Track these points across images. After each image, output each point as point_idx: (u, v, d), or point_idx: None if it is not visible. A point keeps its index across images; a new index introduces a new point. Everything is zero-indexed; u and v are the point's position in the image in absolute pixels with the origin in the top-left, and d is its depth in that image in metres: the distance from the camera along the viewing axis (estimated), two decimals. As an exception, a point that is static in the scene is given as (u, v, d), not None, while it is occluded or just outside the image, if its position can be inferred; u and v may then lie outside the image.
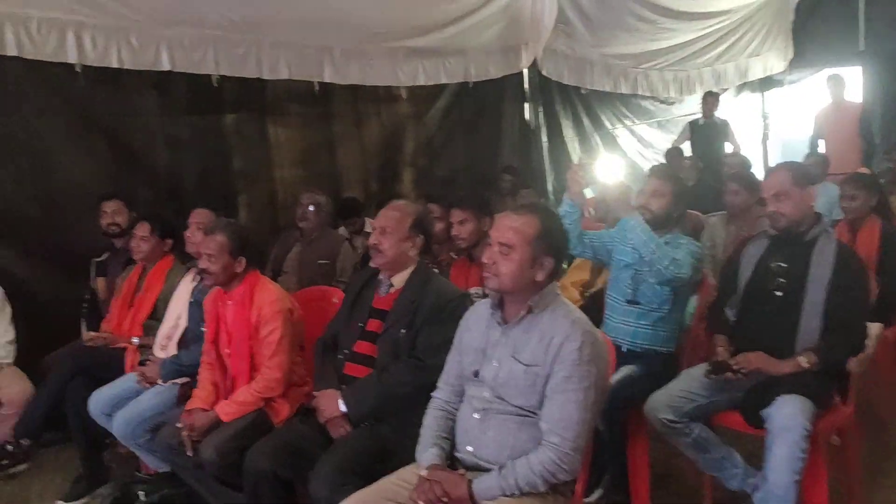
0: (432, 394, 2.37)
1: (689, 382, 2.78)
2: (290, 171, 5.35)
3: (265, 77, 4.89)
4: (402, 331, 2.65)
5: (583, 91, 6.87)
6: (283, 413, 2.90)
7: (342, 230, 4.98)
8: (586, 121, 7.17)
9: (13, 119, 4.19)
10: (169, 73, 4.51)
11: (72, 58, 4.19)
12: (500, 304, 2.24)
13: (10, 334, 3.88)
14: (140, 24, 4.36)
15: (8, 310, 3.91)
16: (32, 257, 4.26)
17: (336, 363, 2.79)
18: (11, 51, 3.99)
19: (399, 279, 2.77)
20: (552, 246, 2.18)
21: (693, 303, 3.32)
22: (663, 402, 2.73)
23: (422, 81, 5.71)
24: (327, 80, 5.19)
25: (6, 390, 3.66)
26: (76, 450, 3.58)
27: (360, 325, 2.78)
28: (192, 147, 4.89)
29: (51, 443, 3.89)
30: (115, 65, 4.33)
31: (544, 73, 6.41)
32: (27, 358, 3.92)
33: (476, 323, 2.31)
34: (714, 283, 3.29)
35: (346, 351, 2.78)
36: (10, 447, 3.49)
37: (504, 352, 2.18)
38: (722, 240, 4.32)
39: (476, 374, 2.23)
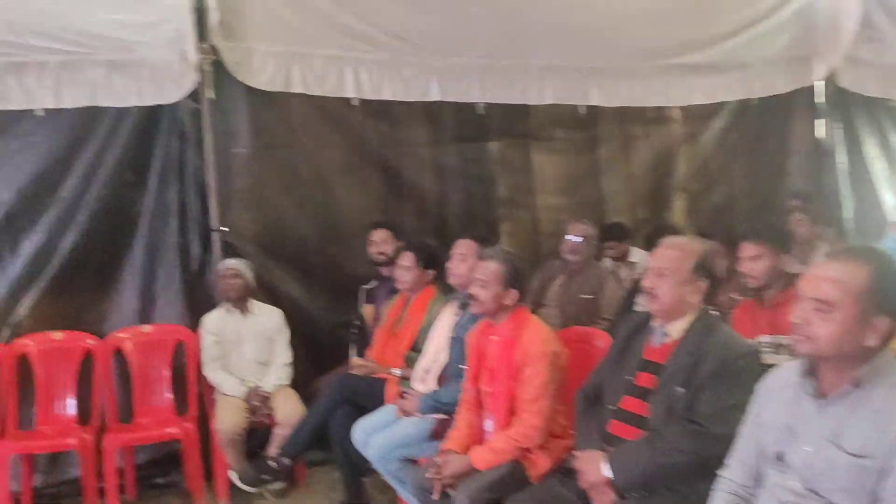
0: (719, 472, 1.98)
1: None
2: (553, 198, 5.17)
3: (531, 103, 4.80)
4: (680, 389, 2.28)
5: (891, 104, 5.91)
6: (541, 467, 2.67)
7: (606, 261, 4.68)
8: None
9: (297, 151, 4.46)
10: (437, 102, 4.58)
11: (349, 92, 4.41)
12: (813, 372, 1.79)
13: (288, 357, 4.10)
14: (411, 57, 4.48)
15: (287, 333, 4.14)
16: (310, 283, 4.48)
17: (599, 419, 2.51)
18: (297, 88, 4.30)
19: (676, 328, 2.41)
20: (888, 301, 1.70)
21: None
22: None
23: (697, 100, 5.27)
24: (594, 103, 4.98)
25: (281, 410, 3.84)
26: (339, 474, 3.66)
27: (627, 377, 2.46)
28: (458, 175, 4.90)
29: (320, 462, 4.05)
30: (388, 97, 4.50)
31: (844, 85, 5.60)
32: (299, 379, 4.11)
33: (779, 391, 1.87)
34: None
35: (610, 406, 2.48)
36: (272, 463, 3.62)
37: (820, 434, 1.73)
38: None
39: (780, 457, 1.80)
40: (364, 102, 4.45)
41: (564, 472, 2.55)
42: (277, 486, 3.79)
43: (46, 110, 3.94)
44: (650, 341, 2.48)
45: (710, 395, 2.23)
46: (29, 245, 4.02)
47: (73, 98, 3.96)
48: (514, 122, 4.98)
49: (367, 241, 4.29)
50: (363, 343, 4.12)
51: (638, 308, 3.51)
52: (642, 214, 5.51)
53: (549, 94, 4.82)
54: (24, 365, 3.97)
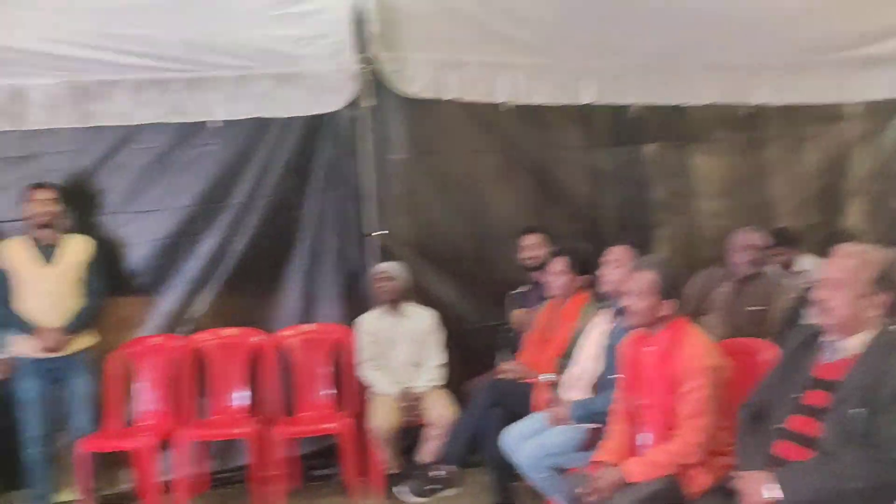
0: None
1: None
2: (713, 202, 4.95)
3: (690, 104, 4.63)
4: (859, 410, 2.11)
5: None
6: (700, 484, 2.55)
7: (772, 269, 4.41)
8: None
9: (450, 157, 4.54)
10: (591, 105, 4.51)
11: (501, 97, 4.42)
12: None
13: (441, 358, 4.18)
14: (565, 60, 4.43)
15: (440, 335, 4.22)
16: (462, 286, 4.54)
17: (763, 438, 2.36)
18: (451, 94, 4.34)
19: (853, 344, 2.23)
20: None
21: None
22: None
23: (878, 96, 4.86)
24: (759, 101, 4.73)
25: (433, 412, 3.92)
26: (490, 477, 3.68)
27: (794, 395, 2.30)
28: (613, 180, 4.80)
29: (472, 464, 4.08)
30: (540, 101, 4.47)
31: None
32: (450, 381, 4.17)
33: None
34: None
35: (776, 426, 2.32)
36: (436, 472, 3.68)
37: None
38: None
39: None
40: (517, 107, 4.44)
41: (725, 491, 2.42)
42: (447, 493, 3.80)
43: (220, 122, 4.25)
44: (821, 357, 2.31)
45: (892, 418, 2.05)
46: (205, 247, 4.35)
47: (243, 110, 4.22)
48: (671, 123, 4.83)
49: (518, 246, 4.29)
50: (513, 347, 4.13)
51: (806, 321, 3.28)
52: (811, 219, 5.16)
53: (709, 94, 4.64)
54: (199, 359, 4.30)
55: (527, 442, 3.23)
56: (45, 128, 4.12)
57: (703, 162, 4.97)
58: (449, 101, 4.34)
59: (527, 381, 3.65)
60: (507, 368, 3.81)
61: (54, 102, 4.09)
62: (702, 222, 4.95)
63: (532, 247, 4.23)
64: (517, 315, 4.29)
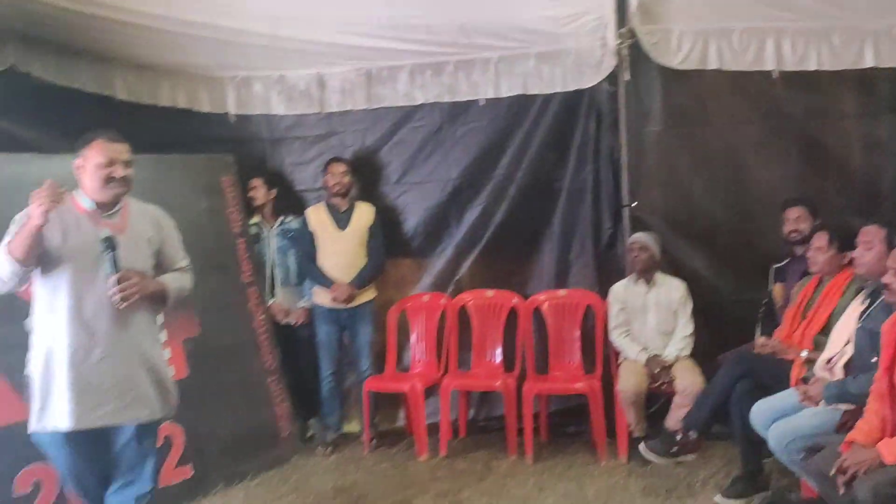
0: None
1: None
2: None
3: None
4: None
5: None
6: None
7: None
8: None
9: (709, 128, 4.46)
10: (872, 69, 4.17)
11: (769, 65, 4.26)
12: None
13: (690, 328, 4.21)
14: (841, 21, 4.14)
15: (690, 305, 4.24)
16: (716, 259, 4.48)
17: None
18: (713, 64, 4.27)
19: None
20: None
21: None
22: None
23: None
24: None
25: (680, 380, 3.96)
26: (738, 450, 3.66)
27: None
28: (891, 149, 4.39)
29: (720, 436, 4.06)
30: (813, 67, 4.23)
31: None
32: (702, 353, 4.18)
33: None
34: None
35: None
36: (678, 436, 3.75)
37: None
38: None
39: None
40: (785, 74, 4.25)
41: None
42: (687, 458, 3.85)
43: (486, 100, 4.59)
44: None
45: None
46: (470, 215, 4.76)
47: (508, 88, 4.56)
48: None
49: (780, 219, 4.14)
50: (770, 322, 4.02)
51: None
52: None
53: None
54: (463, 316, 4.73)
55: (778, 420, 3.18)
56: (340, 110, 4.79)
57: None
58: (710, 71, 4.27)
59: (782, 356, 3.56)
60: (764, 343, 3.73)
61: (348, 87, 4.75)
62: None
63: (795, 220, 4.04)
64: (776, 289, 4.15)
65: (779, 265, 4.21)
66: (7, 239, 2.71)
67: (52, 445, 2.84)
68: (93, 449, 2.86)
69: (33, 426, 2.79)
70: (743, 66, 4.28)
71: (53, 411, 2.76)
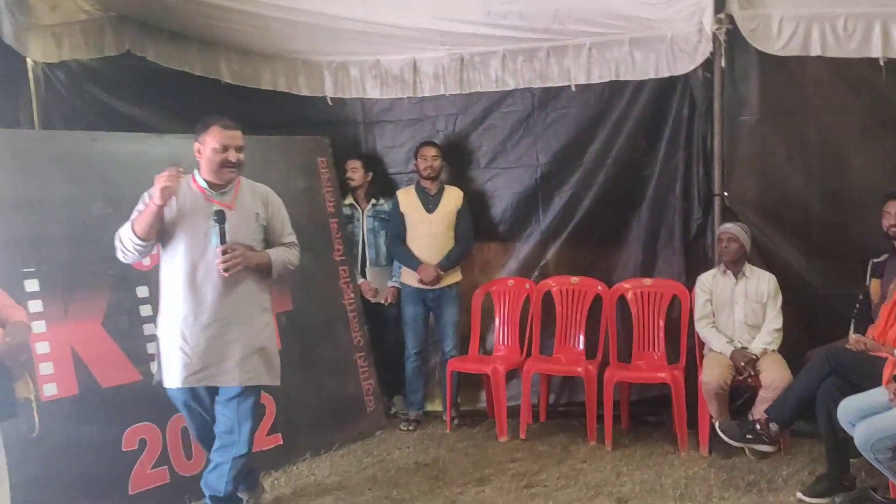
0: None
1: None
2: None
3: None
4: None
5: None
6: None
7: None
8: None
9: (807, 117, 4.32)
10: None
11: (876, 51, 4.09)
12: None
13: (778, 322, 4.10)
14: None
15: (780, 299, 4.13)
16: (810, 251, 4.36)
17: None
18: (816, 51, 4.14)
19: None
20: None
21: None
22: None
23: None
24: None
25: (766, 374, 3.89)
26: (823, 448, 3.58)
27: None
28: None
29: (807, 434, 3.98)
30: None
31: None
32: (791, 348, 4.07)
33: None
34: None
35: None
36: (758, 426, 3.69)
37: None
38: None
39: None
40: (892, 62, 4.07)
41: None
42: (763, 448, 3.79)
43: (577, 86, 4.59)
44: None
45: None
46: (558, 201, 4.79)
47: (600, 74, 4.55)
48: None
49: (880, 213, 3.98)
50: (865, 319, 3.89)
51: None
52: None
53: None
54: (547, 301, 4.77)
55: (866, 419, 3.10)
56: (432, 94, 4.89)
57: None
58: (811, 58, 4.15)
59: (875, 354, 3.45)
60: (857, 339, 3.62)
61: (441, 72, 4.85)
62: None
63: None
64: (874, 285, 4.00)
65: (877, 260, 4.05)
66: (133, 216, 3.04)
67: (175, 401, 3.22)
68: (202, 407, 3.20)
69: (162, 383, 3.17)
70: (847, 53, 4.14)
71: (168, 370, 3.12)
